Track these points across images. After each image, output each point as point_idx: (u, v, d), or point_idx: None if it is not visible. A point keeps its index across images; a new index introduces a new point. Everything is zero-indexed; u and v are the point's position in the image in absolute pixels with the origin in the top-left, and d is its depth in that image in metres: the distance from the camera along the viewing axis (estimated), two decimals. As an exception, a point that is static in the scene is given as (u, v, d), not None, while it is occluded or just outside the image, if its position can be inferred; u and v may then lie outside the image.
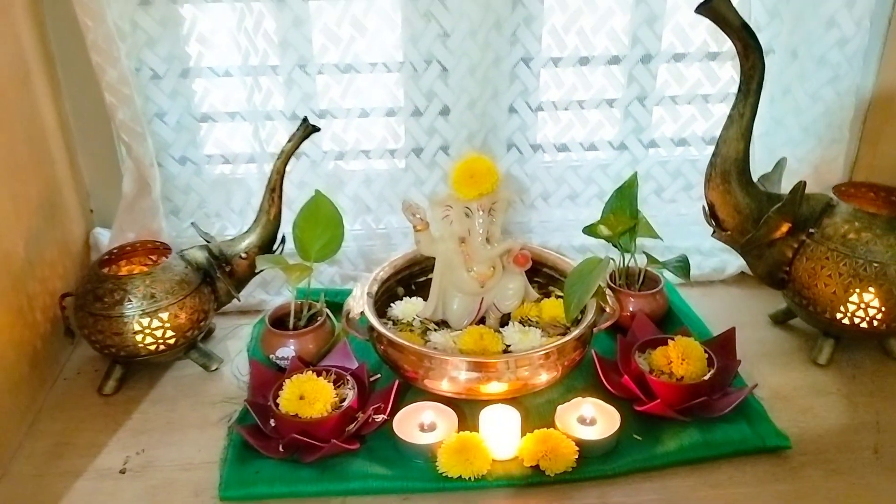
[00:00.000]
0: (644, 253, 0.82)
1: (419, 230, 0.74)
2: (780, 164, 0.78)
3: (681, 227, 0.94)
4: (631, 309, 0.82)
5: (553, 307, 0.78)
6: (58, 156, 0.83)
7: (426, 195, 0.91)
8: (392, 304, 0.80)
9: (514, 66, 0.86)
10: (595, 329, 0.74)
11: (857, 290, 0.73)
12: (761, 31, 0.86)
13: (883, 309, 0.73)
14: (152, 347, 0.74)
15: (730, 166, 0.71)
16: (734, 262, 0.93)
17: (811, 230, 0.75)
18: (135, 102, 0.81)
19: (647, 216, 0.84)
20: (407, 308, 0.79)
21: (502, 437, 0.66)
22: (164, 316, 0.73)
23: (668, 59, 0.88)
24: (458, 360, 0.68)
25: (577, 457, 0.64)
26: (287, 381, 0.68)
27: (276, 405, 0.67)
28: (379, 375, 0.74)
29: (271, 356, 0.76)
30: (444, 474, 0.64)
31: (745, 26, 0.65)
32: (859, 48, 0.83)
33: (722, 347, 0.75)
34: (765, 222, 0.72)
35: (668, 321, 0.83)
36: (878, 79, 0.91)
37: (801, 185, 0.71)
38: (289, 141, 0.76)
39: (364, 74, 0.87)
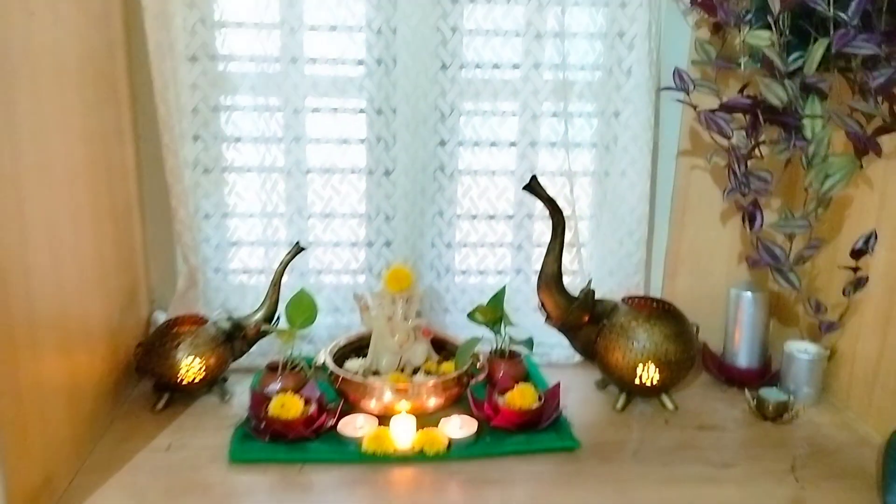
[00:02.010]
0: (509, 336, 1.25)
1: (363, 311, 1.18)
2: (589, 282, 1.22)
3: (545, 328, 1.36)
4: (501, 371, 1.23)
5: (448, 366, 1.19)
6: (139, 263, 1.27)
7: (371, 291, 1.34)
8: (345, 362, 1.21)
9: (433, 172, 1.31)
10: (472, 380, 1.16)
11: (634, 361, 1.15)
12: (578, 202, 1.34)
13: (652, 374, 1.15)
14: (191, 379, 1.14)
15: (549, 279, 1.15)
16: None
17: (605, 321, 1.18)
18: (193, 233, 1.26)
19: (520, 320, 1.28)
20: (354, 363, 1.20)
21: (403, 433, 1.05)
22: (201, 359, 1.14)
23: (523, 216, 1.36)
24: (382, 386, 1.09)
25: (447, 445, 1.04)
26: (275, 397, 1.09)
27: (267, 411, 1.07)
28: (333, 404, 1.14)
29: (265, 390, 1.16)
30: (365, 452, 1.03)
31: (550, 198, 1.11)
32: (643, 214, 1.30)
33: (551, 393, 1.15)
34: (571, 313, 1.15)
35: (525, 380, 1.24)
36: (670, 236, 1.38)
37: (590, 292, 1.15)
38: (287, 255, 1.21)
39: (338, 219, 1.34)
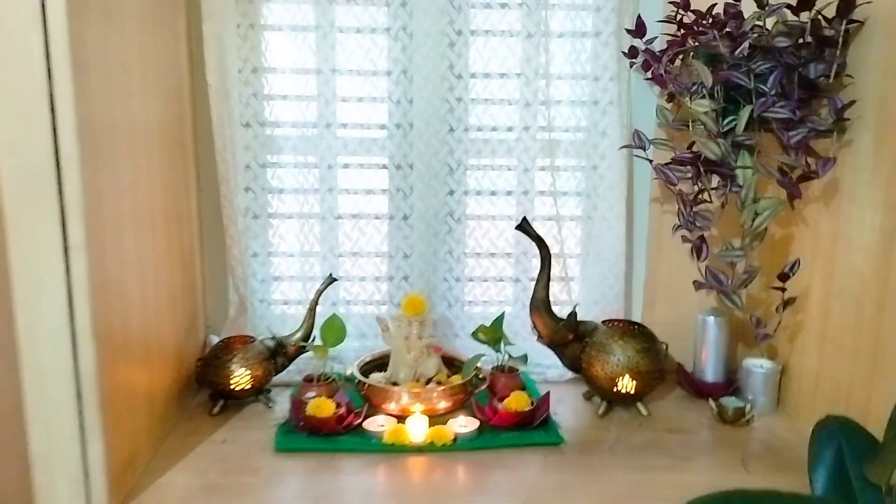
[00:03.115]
0: (507, 353, 1.46)
1: (384, 332, 1.40)
2: (574, 307, 1.44)
3: (542, 350, 1.56)
4: (501, 383, 1.43)
5: (456, 377, 1.40)
6: (199, 294, 1.51)
7: (391, 314, 1.56)
8: (369, 375, 1.43)
9: (443, 217, 1.54)
10: (476, 390, 1.37)
11: (612, 372, 1.36)
12: (567, 241, 1.56)
13: (627, 383, 1.35)
14: (241, 387, 1.37)
15: (539, 303, 1.37)
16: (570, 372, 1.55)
17: (587, 339, 1.39)
18: (244, 269, 1.50)
19: (519, 343, 1.49)
20: (376, 376, 1.42)
21: (417, 429, 1.26)
22: (250, 371, 1.37)
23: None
24: (401, 392, 1.31)
25: (453, 439, 1.25)
26: (311, 401, 1.30)
27: (304, 411, 1.28)
28: (359, 410, 1.35)
29: (303, 396, 1.38)
30: (386, 443, 1.24)
31: (538, 236, 1.34)
32: (621, 251, 1.52)
33: (542, 400, 1.35)
34: (557, 332, 1.37)
35: (521, 390, 1.44)
36: (648, 270, 1.60)
37: (573, 314, 1.37)
38: (322, 284, 1.44)
39: (364, 257, 1.58)
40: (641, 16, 1.39)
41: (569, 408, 1.43)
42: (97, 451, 1.01)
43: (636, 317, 1.61)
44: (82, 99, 0.93)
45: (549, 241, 1.36)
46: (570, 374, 1.53)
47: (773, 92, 1.16)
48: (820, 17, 1.19)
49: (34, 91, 0.90)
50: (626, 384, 1.35)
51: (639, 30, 1.37)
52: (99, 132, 0.99)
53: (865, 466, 1.05)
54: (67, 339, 0.97)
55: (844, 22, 1.14)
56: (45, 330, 0.97)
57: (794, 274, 1.24)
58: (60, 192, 0.93)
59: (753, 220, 1.20)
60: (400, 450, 1.23)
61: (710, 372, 1.48)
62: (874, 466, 1.02)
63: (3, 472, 1.03)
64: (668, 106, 1.37)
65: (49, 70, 0.90)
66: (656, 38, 1.39)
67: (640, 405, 1.40)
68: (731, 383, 1.48)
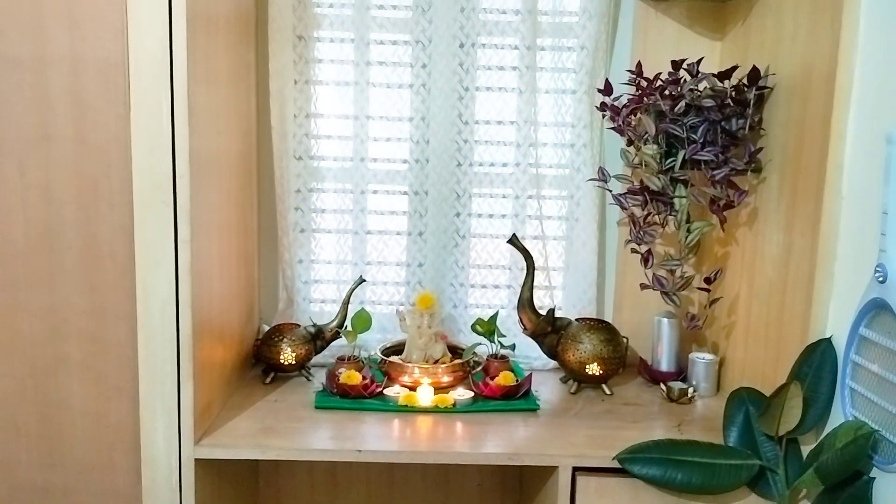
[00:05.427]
0: (499, 342, 1.77)
1: (402, 322, 1.73)
2: (552, 308, 1.75)
3: (529, 344, 1.87)
4: (493, 366, 1.75)
5: (457, 359, 1.72)
6: (255, 293, 1.85)
7: (408, 308, 1.88)
8: (389, 356, 1.75)
9: (451, 234, 1.88)
10: (473, 371, 1.69)
11: (582, 358, 1.66)
12: (550, 257, 1.88)
13: (594, 368, 1.66)
14: (288, 362, 1.69)
15: (524, 301, 1.68)
16: (552, 361, 1.85)
17: (562, 332, 1.70)
18: (292, 272, 1.84)
19: (511, 338, 1.81)
20: (395, 357, 1.74)
21: (425, 396, 1.57)
22: (295, 349, 1.70)
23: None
24: (413, 367, 1.63)
25: (453, 404, 1.56)
26: (343, 373, 1.62)
27: (338, 380, 1.60)
28: (380, 382, 1.67)
29: (337, 371, 1.70)
30: (401, 405, 1.55)
31: (524, 248, 1.66)
32: (593, 264, 1.83)
33: (525, 379, 1.66)
34: (539, 325, 1.68)
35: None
36: (616, 280, 1.90)
37: (551, 310, 1.68)
38: (353, 284, 1.77)
39: (386, 266, 1.91)
40: (609, 79, 1.72)
41: (547, 387, 1.74)
42: (188, 394, 1.34)
43: (607, 318, 1.91)
44: (193, 137, 1.28)
45: (535, 256, 1.68)
46: (551, 364, 1.84)
47: (701, 140, 1.49)
48: (741, 83, 1.52)
49: (161, 130, 1.25)
50: (594, 368, 1.66)
51: (607, 89, 1.70)
52: (202, 160, 1.34)
53: (759, 420, 1.35)
54: (173, 308, 1.31)
55: (755, 88, 1.47)
56: (157, 301, 1.31)
57: (715, 279, 1.56)
58: (175, 201, 1.27)
59: (687, 238, 1.52)
60: (411, 410, 1.55)
61: (665, 363, 1.78)
62: (765, 419, 1.33)
63: (119, 409, 1.36)
64: (630, 149, 1.70)
65: (172, 116, 1.25)
66: (622, 95, 1.72)
67: (604, 386, 1.70)
68: (682, 372, 1.77)
